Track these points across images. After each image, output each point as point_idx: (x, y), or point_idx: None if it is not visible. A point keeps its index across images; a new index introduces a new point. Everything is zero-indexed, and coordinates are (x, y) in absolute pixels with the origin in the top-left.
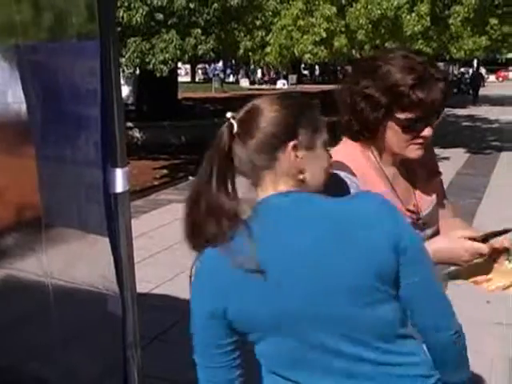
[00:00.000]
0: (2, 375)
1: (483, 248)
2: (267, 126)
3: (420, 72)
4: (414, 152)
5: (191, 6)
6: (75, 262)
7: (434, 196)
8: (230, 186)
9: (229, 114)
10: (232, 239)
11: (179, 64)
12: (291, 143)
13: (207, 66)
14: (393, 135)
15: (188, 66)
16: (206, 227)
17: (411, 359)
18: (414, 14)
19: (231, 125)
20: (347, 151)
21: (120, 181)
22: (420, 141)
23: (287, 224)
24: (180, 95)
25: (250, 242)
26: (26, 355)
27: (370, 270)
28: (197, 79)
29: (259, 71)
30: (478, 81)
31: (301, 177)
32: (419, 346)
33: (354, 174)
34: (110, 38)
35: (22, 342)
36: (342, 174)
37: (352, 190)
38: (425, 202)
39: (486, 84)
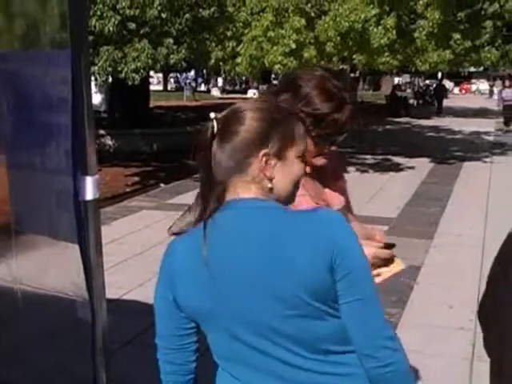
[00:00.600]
0: None
1: (388, 253)
2: (243, 132)
3: (336, 98)
4: (319, 161)
5: (163, 15)
6: (45, 268)
7: (343, 198)
8: (208, 184)
9: (212, 115)
10: (192, 235)
11: (151, 73)
12: (263, 151)
13: (179, 75)
14: None
15: (160, 75)
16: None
17: (344, 370)
18: (380, 28)
19: (213, 125)
20: None
21: (90, 188)
22: (326, 153)
23: (235, 230)
24: (152, 103)
25: (202, 241)
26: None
27: (298, 286)
28: (169, 88)
29: (220, 79)
30: (441, 92)
31: (269, 185)
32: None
33: None
34: (81, 47)
35: None
36: None
37: None
38: (335, 200)
39: (449, 96)
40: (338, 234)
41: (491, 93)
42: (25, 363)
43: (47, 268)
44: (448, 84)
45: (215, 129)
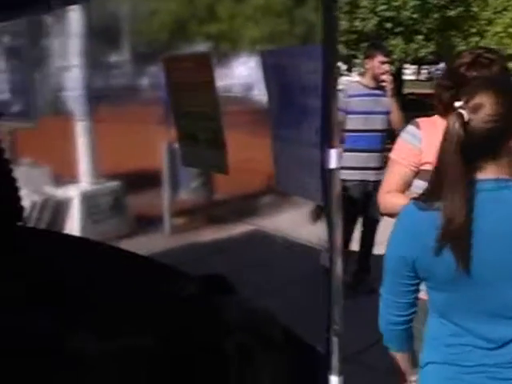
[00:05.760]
0: (245, 304)
1: None
2: (499, 115)
3: (473, 56)
4: None
5: (415, 16)
6: (299, 221)
7: None
8: (461, 167)
9: (457, 104)
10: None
11: (408, 65)
12: None
13: (429, 66)
14: None
15: (414, 67)
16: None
17: None
18: None
19: (461, 114)
20: (431, 118)
21: (334, 159)
22: None
23: (491, 206)
24: (406, 90)
25: (460, 214)
26: (260, 292)
27: None
28: (422, 78)
29: None
30: None
31: None
32: None
33: (419, 128)
34: (329, 43)
35: (259, 281)
36: (409, 126)
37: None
38: None
39: None
40: None
41: None
42: (278, 296)
43: (301, 221)
44: None
45: (465, 117)
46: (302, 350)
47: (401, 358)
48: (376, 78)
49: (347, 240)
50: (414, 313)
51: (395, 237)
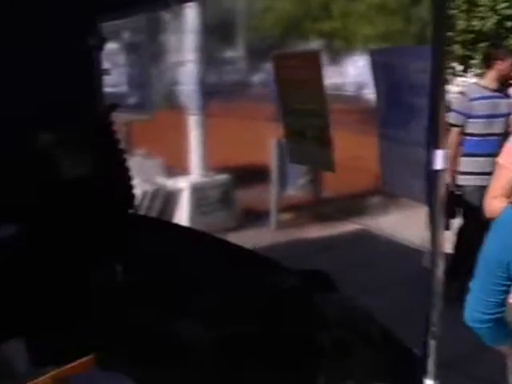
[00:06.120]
0: (345, 301)
1: None
2: None
3: None
4: None
5: None
6: (404, 222)
7: None
8: None
9: None
10: None
11: None
12: None
13: None
14: None
15: None
16: None
17: None
18: None
19: None
20: None
21: (440, 160)
22: None
23: None
24: None
25: None
26: (362, 291)
27: None
28: None
29: None
30: None
31: None
32: None
33: None
34: (439, 43)
35: (361, 280)
36: None
37: None
38: None
39: None
40: None
41: None
42: (383, 295)
43: (405, 223)
44: None
45: None
46: (399, 351)
47: (502, 349)
48: (504, 80)
49: (468, 245)
50: (500, 312)
51: (492, 238)
